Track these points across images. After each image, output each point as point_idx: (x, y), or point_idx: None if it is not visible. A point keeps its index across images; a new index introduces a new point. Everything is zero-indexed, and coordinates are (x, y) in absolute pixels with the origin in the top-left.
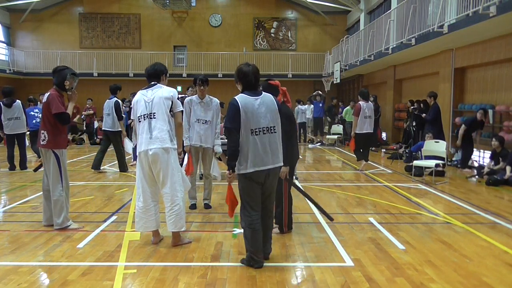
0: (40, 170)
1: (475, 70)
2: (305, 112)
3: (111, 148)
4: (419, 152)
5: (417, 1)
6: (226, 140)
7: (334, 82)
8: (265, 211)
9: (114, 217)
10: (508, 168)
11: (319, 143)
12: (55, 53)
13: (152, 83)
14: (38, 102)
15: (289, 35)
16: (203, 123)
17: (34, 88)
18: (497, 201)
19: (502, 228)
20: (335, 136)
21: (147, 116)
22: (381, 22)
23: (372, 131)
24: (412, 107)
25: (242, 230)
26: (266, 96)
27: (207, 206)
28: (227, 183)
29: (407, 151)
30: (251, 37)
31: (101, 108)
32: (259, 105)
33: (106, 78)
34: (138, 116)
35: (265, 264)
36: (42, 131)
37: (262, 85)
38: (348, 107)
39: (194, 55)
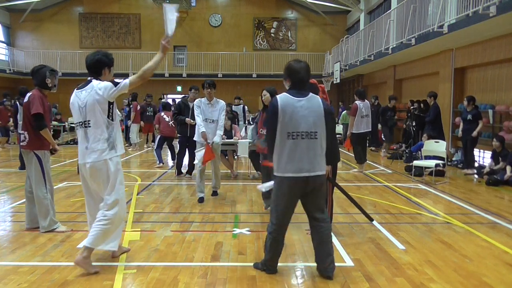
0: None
1: (475, 70)
2: None
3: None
4: (419, 152)
5: (417, 1)
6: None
7: (334, 82)
8: (313, 221)
9: None
10: (508, 168)
11: None
12: (55, 53)
13: (89, 79)
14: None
15: (289, 35)
16: (210, 122)
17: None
18: (497, 201)
19: (502, 228)
20: None
21: (82, 124)
22: (381, 22)
23: (370, 130)
24: (412, 107)
25: (242, 231)
26: (313, 98)
27: (215, 194)
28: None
29: (407, 151)
30: (251, 37)
31: None
32: (302, 107)
33: None
34: (75, 123)
35: None
36: (22, 132)
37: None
38: (345, 112)
39: (194, 55)
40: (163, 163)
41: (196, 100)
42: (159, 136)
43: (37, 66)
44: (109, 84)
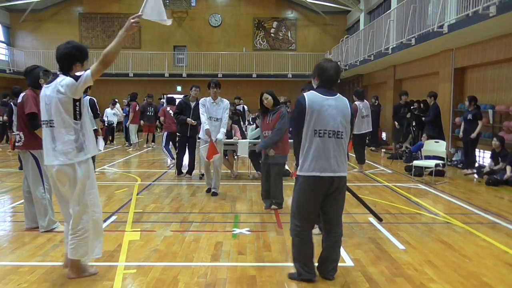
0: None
1: (475, 70)
2: None
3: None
4: (419, 152)
5: (417, 1)
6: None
7: None
8: (328, 224)
9: (114, 217)
10: (508, 168)
11: None
12: (55, 53)
13: (58, 73)
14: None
15: (289, 35)
16: (214, 121)
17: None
18: (497, 201)
19: (502, 228)
20: None
21: (47, 123)
22: (381, 22)
23: (370, 129)
24: (412, 107)
25: (242, 231)
26: (341, 99)
27: (215, 194)
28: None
29: (406, 151)
30: (251, 37)
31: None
32: (330, 106)
33: (106, 78)
34: (42, 121)
35: (265, 264)
36: (17, 132)
37: (308, 86)
38: None
39: (194, 55)
40: (174, 159)
41: (202, 99)
42: (165, 133)
43: (30, 67)
44: (70, 80)
